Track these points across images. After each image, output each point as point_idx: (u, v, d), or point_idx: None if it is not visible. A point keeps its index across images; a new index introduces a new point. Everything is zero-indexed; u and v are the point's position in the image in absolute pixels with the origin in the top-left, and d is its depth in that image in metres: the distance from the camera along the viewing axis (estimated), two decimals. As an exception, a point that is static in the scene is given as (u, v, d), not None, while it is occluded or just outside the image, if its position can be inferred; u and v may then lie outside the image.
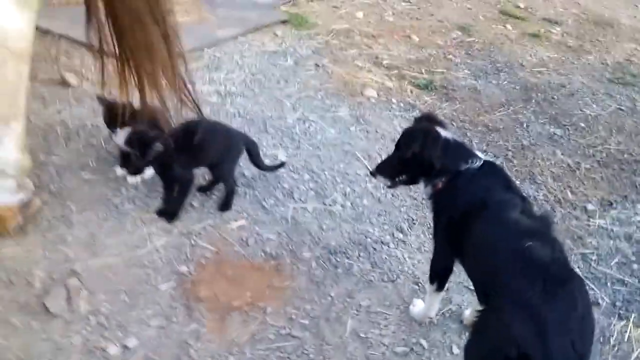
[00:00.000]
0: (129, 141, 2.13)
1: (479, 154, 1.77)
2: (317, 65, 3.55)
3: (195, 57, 3.42)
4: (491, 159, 1.98)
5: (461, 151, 1.77)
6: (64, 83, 2.85)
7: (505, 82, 3.72)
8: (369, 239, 2.26)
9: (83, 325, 1.79)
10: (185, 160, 2.17)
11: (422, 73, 3.65)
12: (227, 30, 3.78)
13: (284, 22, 4.11)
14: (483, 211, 1.61)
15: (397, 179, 1.88)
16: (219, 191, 2.37)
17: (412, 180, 1.87)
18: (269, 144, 2.71)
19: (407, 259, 2.20)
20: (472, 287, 1.61)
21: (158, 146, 2.07)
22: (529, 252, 1.42)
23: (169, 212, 2.20)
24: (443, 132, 1.79)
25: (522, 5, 5.08)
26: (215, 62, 3.40)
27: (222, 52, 3.54)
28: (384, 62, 3.71)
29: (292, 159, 2.64)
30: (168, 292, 1.93)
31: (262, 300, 1.94)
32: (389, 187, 2.00)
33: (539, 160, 2.93)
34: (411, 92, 3.42)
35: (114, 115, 2.16)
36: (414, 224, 2.40)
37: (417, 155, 1.75)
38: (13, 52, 1.68)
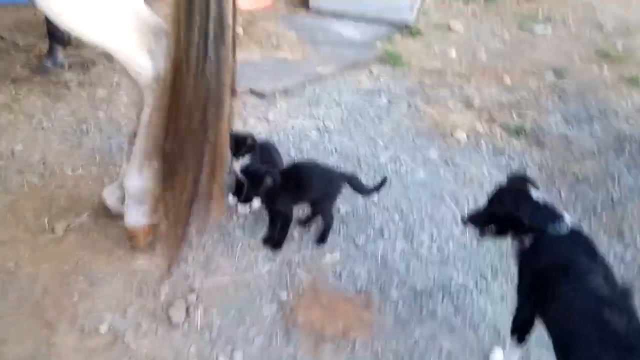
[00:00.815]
0: (244, 171, 2.45)
1: (566, 215, 1.89)
2: (409, 104, 3.74)
3: (297, 92, 3.74)
4: (577, 223, 2.07)
5: (549, 213, 1.89)
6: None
7: (598, 130, 3.71)
8: (453, 284, 2.42)
9: (198, 336, 2.08)
10: (290, 197, 2.44)
11: (512, 117, 3.74)
12: (327, 67, 4.07)
13: (379, 59, 4.35)
14: (565, 275, 1.73)
15: (486, 230, 2.03)
16: (316, 224, 2.62)
17: (500, 234, 2.02)
18: (362, 181, 2.93)
19: (489, 307, 2.33)
20: (551, 346, 1.73)
21: (268, 180, 2.35)
22: (606, 321, 1.54)
23: (274, 241, 2.48)
24: (534, 193, 1.93)
25: (620, 46, 4.98)
26: (315, 98, 3.69)
27: (322, 88, 3.83)
28: (475, 103, 3.83)
29: (383, 197, 2.85)
30: (270, 315, 2.19)
31: (352, 332, 2.15)
32: (479, 236, 2.15)
33: (629, 216, 2.94)
34: (501, 136, 3.52)
35: (235, 145, 2.48)
36: (498, 272, 2.52)
37: (507, 213, 1.90)
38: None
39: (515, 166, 3.23)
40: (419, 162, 3.16)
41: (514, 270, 2.37)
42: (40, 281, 2.16)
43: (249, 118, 3.39)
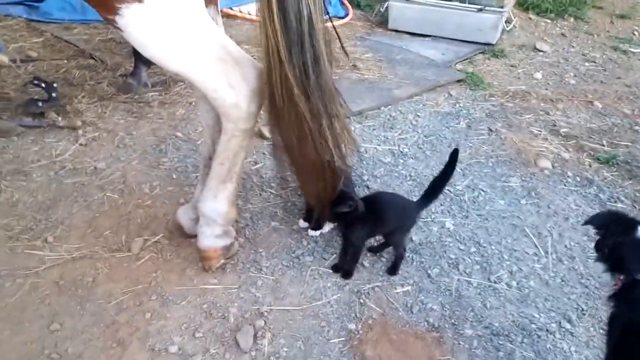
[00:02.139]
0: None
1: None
2: (490, 129, 3.58)
3: (372, 115, 3.68)
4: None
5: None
6: (262, 136, 3.26)
7: (701, 162, 3.38)
8: (533, 325, 2.24)
9: (265, 364, 2.05)
10: (366, 228, 2.37)
11: (603, 145, 3.47)
12: (404, 90, 3.98)
13: (459, 81, 4.21)
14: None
15: (602, 252, 1.84)
16: (387, 253, 2.53)
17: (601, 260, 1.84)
18: (437, 210, 2.81)
19: (573, 353, 2.14)
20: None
21: (347, 206, 2.28)
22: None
23: (344, 269, 2.41)
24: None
25: None
26: (391, 122, 3.61)
27: (398, 111, 3.74)
28: (562, 130, 3.60)
29: (459, 228, 2.71)
30: (338, 347, 2.11)
31: (423, 372, 2.04)
32: (596, 258, 1.94)
33: None
34: (590, 165, 3.27)
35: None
36: (584, 314, 2.31)
37: (612, 246, 1.74)
38: (241, 130, 2.02)
39: (605, 199, 2.98)
40: (499, 191, 2.99)
41: (602, 312, 2.18)
42: (115, 298, 2.22)
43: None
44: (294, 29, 1.77)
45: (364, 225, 2.33)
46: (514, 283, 2.44)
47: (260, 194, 2.85)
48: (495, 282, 2.43)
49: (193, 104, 3.69)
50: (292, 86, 1.84)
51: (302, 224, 2.65)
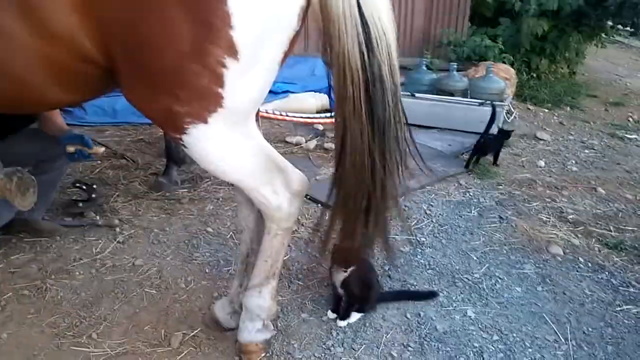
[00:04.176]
0: (343, 284, 2.55)
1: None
2: (501, 217, 3.78)
3: (389, 206, 3.90)
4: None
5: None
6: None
7: None
8: (561, 413, 2.32)
9: None
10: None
11: (610, 230, 3.66)
12: (416, 180, 4.23)
13: (467, 171, 4.47)
14: None
15: None
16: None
17: None
18: (457, 299, 2.95)
19: None
20: None
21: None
22: None
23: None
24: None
25: None
26: (406, 211, 3.83)
27: (412, 201, 3.97)
28: (569, 216, 3.80)
29: (481, 316, 2.83)
30: None
31: None
32: None
33: None
34: (599, 251, 3.44)
35: (335, 257, 2.61)
36: (609, 401, 2.39)
37: None
38: (283, 229, 2.23)
39: (617, 284, 3.12)
40: (515, 278, 3.14)
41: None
42: (158, 393, 2.32)
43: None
44: (380, 123, 1.95)
45: None
46: (537, 370, 2.53)
47: (289, 286, 3.00)
48: (519, 370, 2.53)
49: (220, 199, 3.94)
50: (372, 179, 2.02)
51: (331, 314, 2.79)
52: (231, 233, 3.51)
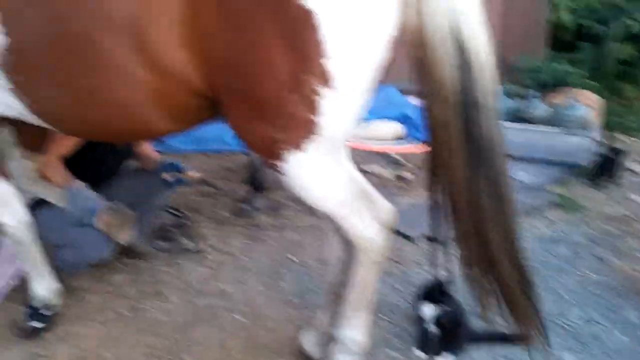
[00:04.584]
0: (437, 321, 2.50)
1: None
2: (594, 256, 3.58)
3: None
4: None
5: None
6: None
7: None
8: None
9: None
10: None
11: None
12: (502, 214, 4.10)
13: (554, 204, 4.29)
14: None
15: None
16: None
17: None
18: (555, 344, 2.78)
19: None
20: None
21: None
22: None
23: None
24: None
25: None
26: (493, 246, 3.70)
27: (498, 235, 3.84)
28: (672, 256, 3.55)
29: (584, 363, 2.68)
30: None
31: None
32: None
33: None
34: None
35: (424, 291, 2.54)
36: None
37: None
38: (374, 262, 2.22)
39: None
40: (617, 324, 2.95)
41: None
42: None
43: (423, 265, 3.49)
44: (480, 153, 1.90)
45: None
46: None
47: (377, 322, 2.97)
48: None
49: (302, 228, 3.98)
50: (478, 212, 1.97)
51: (418, 352, 2.72)
52: (315, 263, 3.53)
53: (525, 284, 2.12)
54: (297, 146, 1.88)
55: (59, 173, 2.98)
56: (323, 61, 1.70)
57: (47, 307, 2.92)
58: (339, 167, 2.05)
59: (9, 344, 2.79)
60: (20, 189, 2.77)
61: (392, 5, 1.75)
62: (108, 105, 2.02)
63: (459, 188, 1.99)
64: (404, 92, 6.11)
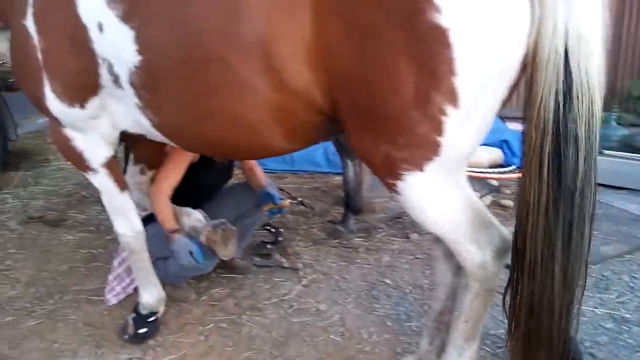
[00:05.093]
0: None
1: None
2: None
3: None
4: None
5: None
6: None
7: None
8: None
9: None
10: None
11: None
12: (613, 247, 3.82)
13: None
14: None
15: None
16: None
17: None
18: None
19: None
20: None
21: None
22: None
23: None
24: None
25: None
26: (604, 282, 3.45)
27: (609, 270, 3.58)
28: None
29: None
30: None
31: None
32: None
33: None
34: None
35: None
36: None
37: None
38: (485, 290, 2.11)
39: None
40: None
41: None
42: None
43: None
44: (567, 185, 1.75)
45: None
46: None
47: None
48: None
49: (396, 251, 3.93)
50: (553, 243, 1.81)
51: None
52: (410, 287, 3.45)
53: None
54: (417, 166, 1.83)
55: (167, 214, 3.03)
56: (453, 79, 1.65)
57: (152, 314, 3.05)
58: (457, 190, 1.97)
59: (116, 348, 2.93)
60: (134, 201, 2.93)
61: (524, 24, 1.67)
62: (230, 123, 2.09)
63: (534, 229, 1.83)
64: (503, 117, 5.93)
